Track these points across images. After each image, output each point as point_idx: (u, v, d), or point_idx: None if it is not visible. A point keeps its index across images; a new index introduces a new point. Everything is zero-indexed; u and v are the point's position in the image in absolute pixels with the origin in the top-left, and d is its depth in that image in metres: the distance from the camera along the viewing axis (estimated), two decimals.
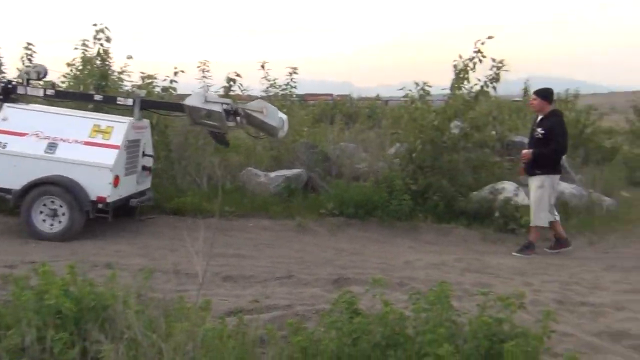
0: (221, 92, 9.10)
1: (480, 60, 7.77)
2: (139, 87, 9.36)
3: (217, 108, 6.27)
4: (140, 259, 5.31)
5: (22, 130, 6.18)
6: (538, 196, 6.53)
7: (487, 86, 7.98)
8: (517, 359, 2.74)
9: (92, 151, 6.12)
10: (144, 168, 6.87)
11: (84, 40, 8.87)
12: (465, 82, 8.08)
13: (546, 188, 6.51)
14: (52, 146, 6.13)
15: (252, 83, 10.07)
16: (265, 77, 10.11)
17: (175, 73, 8.86)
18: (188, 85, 10.28)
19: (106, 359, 2.47)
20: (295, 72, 10.40)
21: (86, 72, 8.99)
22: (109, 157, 6.09)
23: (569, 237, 6.82)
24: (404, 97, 9.13)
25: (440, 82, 8.56)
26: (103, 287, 3.29)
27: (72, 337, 2.75)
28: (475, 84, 8.00)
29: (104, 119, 6.46)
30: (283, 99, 10.07)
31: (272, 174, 8.41)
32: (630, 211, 8.23)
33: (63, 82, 9.62)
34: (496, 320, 3.01)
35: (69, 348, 2.69)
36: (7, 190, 6.09)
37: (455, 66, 8.10)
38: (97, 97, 7.08)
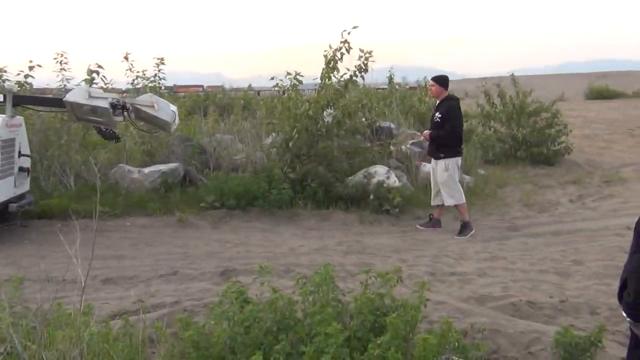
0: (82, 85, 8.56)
1: (348, 51, 8.09)
2: None
3: (102, 104, 5.95)
4: (6, 269, 4.90)
5: None
6: (446, 178, 6.90)
7: (356, 75, 8.35)
8: (398, 329, 2.95)
9: None
10: (21, 169, 6.37)
11: None
12: (335, 72, 8.38)
13: (451, 169, 6.92)
14: None
15: (117, 76, 9.60)
16: (129, 68, 9.70)
17: (31, 67, 8.16)
18: (45, 81, 9.57)
19: None
20: (162, 63, 10.09)
21: None
22: None
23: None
24: (275, 87, 9.26)
25: (312, 73, 8.82)
26: None
27: None
28: (345, 74, 8.33)
29: None
30: (152, 91, 9.71)
31: (147, 170, 8.11)
32: (486, 187, 9.09)
33: None
34: (378, 296, 3.22)
35: None
36: None
37: (325, 56, 8.36)
38: None
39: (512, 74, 12.94)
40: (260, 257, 5.70)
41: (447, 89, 7.23)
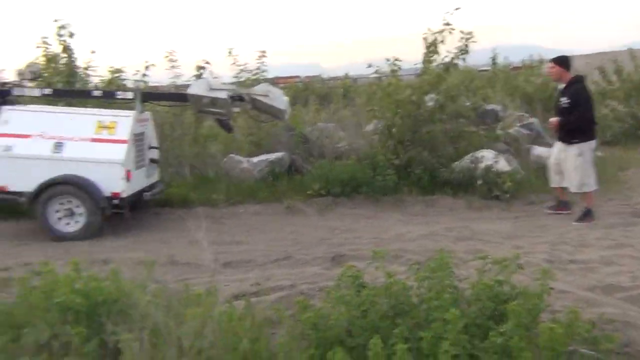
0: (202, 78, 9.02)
1: (450, 32, 7.87)
2: (109, 81, 9.25)
3: (222, 95, 6.28)
4: (134, 253, 5.30)
5: (26, 132, 6.10)
6: (579, 164, 6.43)
7: (457, 58, 8.10)
8: (520, 317, 2.85)
9: (100, 148, 6.08)
10: (152, 160, 6.84)
11: (44, 37, 8.66)
12: (436, 55, 8.19)
13: (585, 154, 6.45)
14: (58, 145, 6.06)
15: (222, 70, 10.02)
16: (234, 62, 10.06)
17: (147, 67, 8.75)
18: (159, 78, 10.19)
19: (125, 348, 2.49)
20: (264, 56, 10.38)
21: (50, 70, 8.79)
22: (119, 152, 6.05)
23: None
24: (373, 74, 9.21)
25: (409, 58, 8.67)
26: (108, 281, 3.31)
27: (88, 331, 2.77)
28: (446, 57, 8.11)
29: (106, 115, 6.38)
30: (254, 83, 10.03)
31: (255, 159, 8.41)
32: (606, 170, 8.47)
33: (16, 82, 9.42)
34: (497, 282, 3.13)
35: (86, 342, 2.71)
36: (19, 194, 6.02)
37: (425, 39, 8.19)
38: (96, 93, 7.02)
39: (630, 48, 11.97)
40: (368, 243, 5.73)
41: (568, 70, 6.62)
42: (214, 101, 6.31)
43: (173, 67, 9.26)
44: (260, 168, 8.21)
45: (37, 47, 8.71)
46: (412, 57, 8.50)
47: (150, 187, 6.79)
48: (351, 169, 7.65)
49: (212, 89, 6.34)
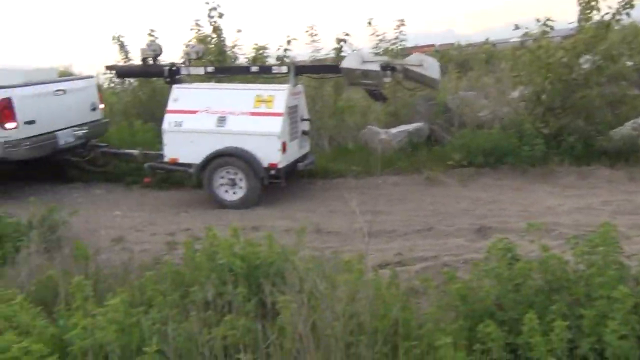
0: (332, 54, 9.14)
1: None
2: (253, 58, 9.71)
3: (374, 67, 6.31)
4: (282, 221, 5.57)
5: (193, 108, 6.56)
6: None
7: (620, 13, 7.30)
8: None
9: (258, 121, 6.39)
10: (304, 132, 7.07)
11: (197, 20, 9.30)
12: (594, 12, 7.44)
13: None
14: (221, 120, 6.46)
15: (361, 41, 10.00)
16: (373, 33, 9.99)
17: (289, 42, 9.01)
18: (300, 52, 10.47)
19: (284, 309, 2.63)
20: (403, 24, 10.18)
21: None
22: (276, 125, 6.32)
23: None
24: (522, 36, 8.61)
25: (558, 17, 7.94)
26: (263, 247, 3.52)
27: (247, 292, 2.97)
28: (607, 13, 7.34)
29: (265, 89, 6.70)
30: (392, 53, 9.89)
31: (393, 130, 8.36)
32: None
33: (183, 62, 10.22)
34: None
35: (246, 301, 2.91)
36: (188, 165, 6.53)
37: None
38: (254, 69, 7.42)
39: None
40: (514, 216, 5.48)
41: None
42: (365, 73, 6.33)
43: (313, 41, 9.50)
44: (399, 139, 8.15)
45: (191, 29, 9.42)
46: (560, 16, 7.81)
47: (303, 158, 7.03)
48: (495, 138, 7.31)
49: (364, 62, 6.36)
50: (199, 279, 3.16)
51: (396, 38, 10.14)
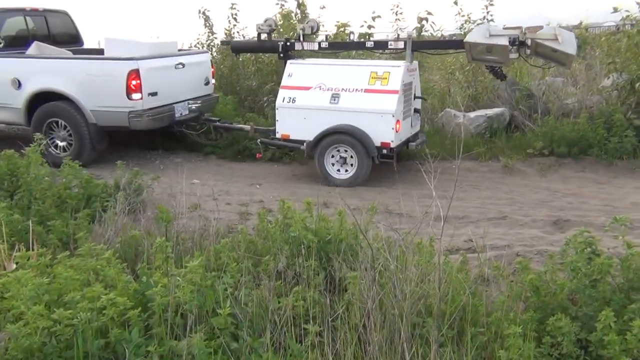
0: (414, 34, 8.98)
1: None
2: (334, 35, 9.70)
3: (502, 41, 6.00)
4: (351, 200, 5.59)
5: (307, 85, 6.52)
6: None
7: None
8: None
9: (373, 98, 6.23)
10: (416, 110, 6.92)
11: None
12: None
13: None
14: (335, 97, 6.36)
15: (445, 23, 9.76)
16: (459, 13, 9.69)
17: (373, 18, 8.92)
18: (383, 30, 10.35)
19: (352, 285, 2.68)
20: (492, 4, 9.81)
21: (286, 25, 9.56)
22: (391, 103, 6.15)
23: None
24: (620, 20, 8.09)
25: None
26: (333, 223, 3.57)
27: (317, 265, 3.04)
28: None
29: (380, 65, 6.52)
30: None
31: (472, 114, 8.14)
32: None
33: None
34: None
35: (316, 275, 2.98)
36: (300, 142, 6.52)
37: None
38: (369, 44, 7.22)
39: None
40: (595, 210, 5.23)
41: None
42: (489, 48, 6.03)
43: (397, 19, 9.37)
44: (478, 124, 7.93)
45: (276, 3, 9.55)
46: None
47: (414, 138, 6.88)
48: (581, 128, 6.96)
49: (491, 35, 6.03)
50: (272, 250, 3.27)
51: (483, 18, 9.82)
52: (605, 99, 7.77)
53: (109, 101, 6.81)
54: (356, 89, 6.31)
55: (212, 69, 8.30)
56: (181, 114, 7.42)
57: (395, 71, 6.28)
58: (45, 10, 8.44)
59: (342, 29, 9.57)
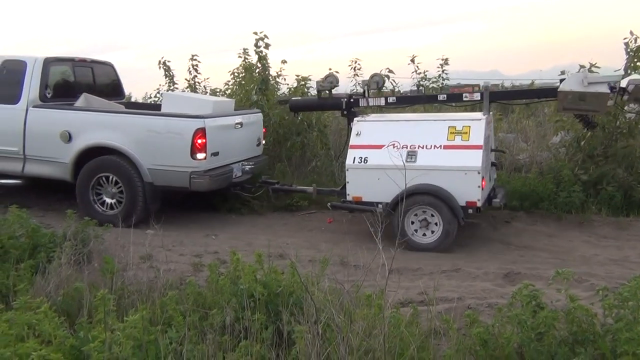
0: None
1: None
2: (294, 89, 9.89)
3: (602, 89, 5.69)
4: (307, 251, 5.58)
5: (378, 143, 6.08)
6: None
7: None
8: None
9: (454, 155, 5.80)
10: (493, 164, 6.59)
11: (245, 49, 9.57)
12: None
13: None
14: (411, 155, 5.90)
15: (403, 79, 10.09)
16: (415, 71, 10.06)
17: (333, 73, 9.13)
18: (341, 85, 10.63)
19: (299, 339, 2.63)
20: (446, 63, 10.24)
21: (247, 78, 9.70)
22: (475, 159, 5.71)
23: None
24: None
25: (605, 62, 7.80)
26: (285, 275, 3.53)
27: (265, 319, 2.99)
28: None
29: (459, 119, 6.10)
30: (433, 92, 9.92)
31: None
32: None
33: (227, 89, 10.51)
34: None
35: (264, 328, 2.92)
36: (375, 204, 6.04)
37: (627, 44, 7.40)
38: (441, 97, 6.90)
39: None
40: (546, 263, 5.35)
41: None
42: (582, 96, 5.74)
43: (355, 75, 9.67)
44: None
45: (239, 56, 9.69)
46: (608, 62, 7.70)
47: (493, 193, 6.45)
48: (532, 182, 7.18)
49: (589, 83, 5.74)
50: (220, 302, 3.20)
51: (439, 76, 10.22)
52: (554, 155, 8.07)
53: (170, 160, 6.40)
54: (434, 146, 5.86)
55: (264, 130, 8.05)
56: (236, 175, 7.03)
57: (477, 125, 5.87)
58: (92, 62, 8.10)
59: (302, 83, 9.79)
